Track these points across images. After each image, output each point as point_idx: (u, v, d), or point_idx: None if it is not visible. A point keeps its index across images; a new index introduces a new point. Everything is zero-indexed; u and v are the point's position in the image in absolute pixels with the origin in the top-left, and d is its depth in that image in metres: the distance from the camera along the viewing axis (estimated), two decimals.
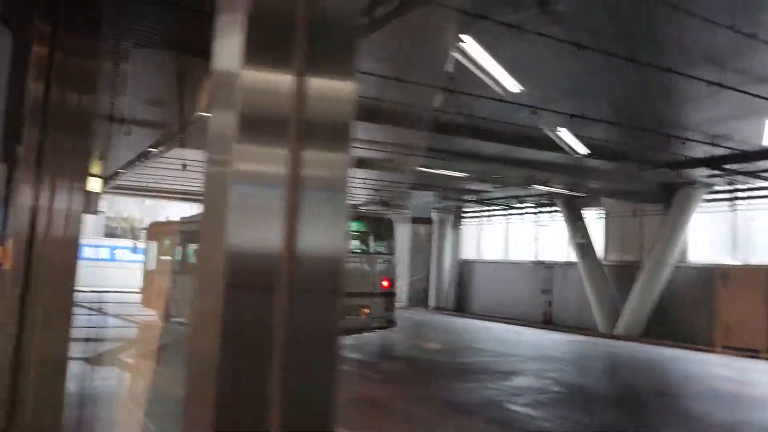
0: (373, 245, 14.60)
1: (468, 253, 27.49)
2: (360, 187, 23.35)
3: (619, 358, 15.57)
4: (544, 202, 22.65)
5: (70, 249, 2.30)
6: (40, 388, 1.85)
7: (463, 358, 13.12)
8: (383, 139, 15.19)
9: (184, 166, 17.63)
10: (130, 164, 15.67)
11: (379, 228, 14.75)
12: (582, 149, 11.24)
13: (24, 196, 2.27)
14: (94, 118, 2.23)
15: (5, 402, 1.83)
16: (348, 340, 15.19)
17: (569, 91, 11.56)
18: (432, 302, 26.73)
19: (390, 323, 13.81)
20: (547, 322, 21.90)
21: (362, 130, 14.02)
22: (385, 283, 13.86)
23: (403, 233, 28.43)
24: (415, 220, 27.96)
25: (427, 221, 27.49)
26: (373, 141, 15.54)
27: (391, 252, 14.58)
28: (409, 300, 27.61)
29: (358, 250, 14.28)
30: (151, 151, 12.14)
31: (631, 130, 12.85)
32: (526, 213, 24.07)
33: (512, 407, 8.42)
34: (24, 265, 1.97)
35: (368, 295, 13.24)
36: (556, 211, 22.33)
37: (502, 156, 15.95)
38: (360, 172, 19.89)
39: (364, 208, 29.29)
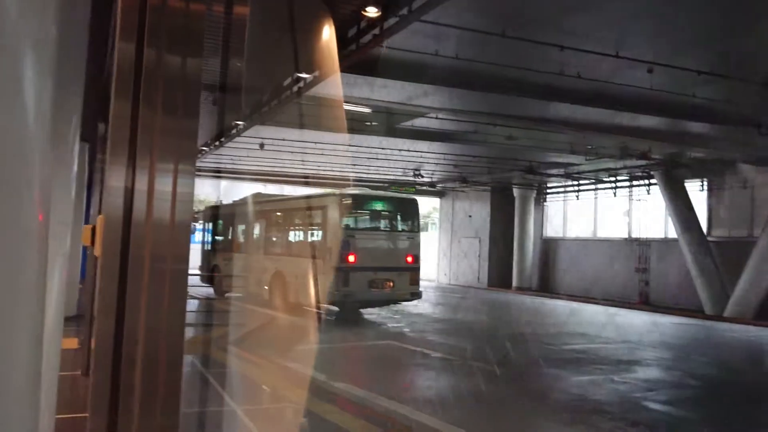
0: (399, 224, 15.55)
1: (552, 230, 26.06)
2: (437, 163, 22.32)
3: (745, 344, 14.00)
4: (638, 174, 20.90)
5: (182, 234, 1.72)
6: (149, 387, 1.59)
7: (570, 345, 11.97)
8: (469, 108, 14.12)
9: (262, 145, 17.16)
10: (213, 141, 15.14)
11: (404, 208, 15.63)
12: None
13: (116, 178, 1.66)
14: (200, 82, 1.49)
15: (106, 399, 1.56)
16: (434, 324, 14.33)
17: (685, 43, 10.15)
18: (515, 282, 25.50)
19: (414, 296, 14.89)
20: (643, 302, 20.35)
21: (447, 97, 12.99)
22: (409, 259, 14.74)
23: (483, 210, 27.27)
24: (496, 197, 26.69)
25: (509, 198, 26.13)
26: (456, 110, 14.50)
27: (415, 230, 15.36)
28: (490, 280, 26.50)
29: (385, 229, 15.47)
30: (238, 124, 11.43)
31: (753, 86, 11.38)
32: (618, 187, 22.30)
33: (652, 406, 7.30)
34: (121, 252, 1.61)
35: (394, 269, 14.32)
36: (652, 183, 20.54)
37: (595, 123, 14.63)
38: (438, 147, 18.88)
39: (441, 185, 28.31)
